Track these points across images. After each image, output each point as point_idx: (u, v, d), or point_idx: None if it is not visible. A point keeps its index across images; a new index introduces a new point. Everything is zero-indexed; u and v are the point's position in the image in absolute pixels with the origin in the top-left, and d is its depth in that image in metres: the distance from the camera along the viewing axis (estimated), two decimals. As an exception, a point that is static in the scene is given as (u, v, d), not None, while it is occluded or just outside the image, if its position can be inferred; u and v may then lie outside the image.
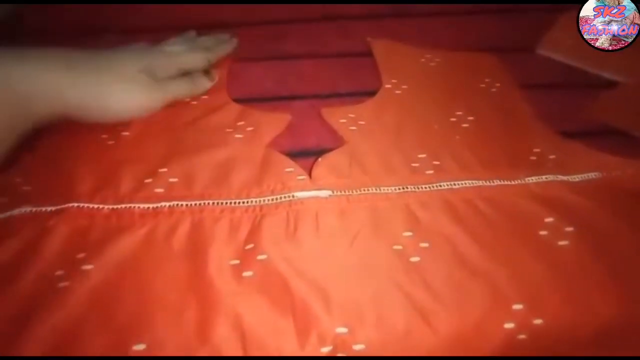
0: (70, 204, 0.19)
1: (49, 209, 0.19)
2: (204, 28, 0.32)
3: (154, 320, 0.16)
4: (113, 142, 0.23)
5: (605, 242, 0.19)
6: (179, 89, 0.25)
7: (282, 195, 0.20)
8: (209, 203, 0.20)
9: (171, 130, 0.24)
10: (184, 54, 0.26)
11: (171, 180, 0.21)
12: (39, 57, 0.20)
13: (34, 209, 0.19)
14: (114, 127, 0.24)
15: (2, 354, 0.15)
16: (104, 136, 0.24)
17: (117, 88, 0.22)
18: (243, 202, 0.20)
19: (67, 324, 0.15)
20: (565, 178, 0.22)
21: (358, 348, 0.16)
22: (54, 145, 0.23)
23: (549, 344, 0.16)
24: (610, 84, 0.30)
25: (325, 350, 0.16)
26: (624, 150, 0.24)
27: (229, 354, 0.15)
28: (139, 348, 0.15)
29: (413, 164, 0.23)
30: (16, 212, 0.19)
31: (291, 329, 0.16)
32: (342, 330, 0.16)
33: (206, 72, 0.27)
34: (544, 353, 0.16)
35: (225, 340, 0.15)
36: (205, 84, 0.27)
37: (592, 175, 0.22)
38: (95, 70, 0.21)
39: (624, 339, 0.17)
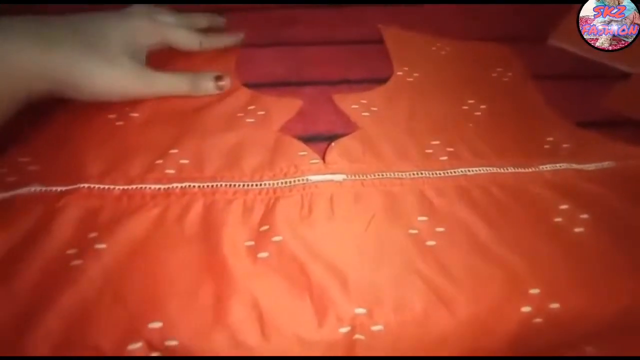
0: (81, 185, 0.19)
1: (58, 188, 0.19)
2: (213, 12, 0.31)
3: (168, 299, 0.16)
4: (122, 123, 0.23)
5: (621, 229, 0.19)
6: (175, 86, 0.24)
7: (296, 179, 0.20)
8: (221, 185, 0.20)
9: (181, 114, 0.24)
10: (173, 28, 0.25)
11: (182, 161, 0.21)
12: (19, 31, 0.19)
13: (43, 189, 0.19)
14: (122, 108, 0.23)
15: (17, 333, 0.14)
16: (112, 116, 0.23)
17: (102, 71, 0.21)
18: (256, 185, 0.20)
19: (82, 301, 0.15)
20: (579, 167, 0.22)
21: (376, 329, 0.15)
22: (61, 124, 0.23)
23: (565, 328, 0.16)
24: (624, 75, 0.30)
25: (343, 331, 0.15)
26: (637, 141, 0.24)
27: (246, 335, 0.15)
28: (154, 326, 0.15)
29: (427, 150, 0.23)
30: (25, 190, 0.19)
31: (309, 309, 0.16)
32: (360, 311, 0.16)
33: (218, 77, 0.25)
34: (559, 337, 0.16)
35: (241, 321, 0.15)
36: (209, 88, 0.25)
37: (606, 164, 0.22)
38: (79, 48, 0.20)
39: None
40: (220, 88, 0.25)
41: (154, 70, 0.23)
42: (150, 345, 0.15)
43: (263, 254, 0.17)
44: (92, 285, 0.16)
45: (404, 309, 0.16)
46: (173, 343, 0.15)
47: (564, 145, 0.24)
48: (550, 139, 0.24)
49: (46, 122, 0.22)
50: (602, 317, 0.17)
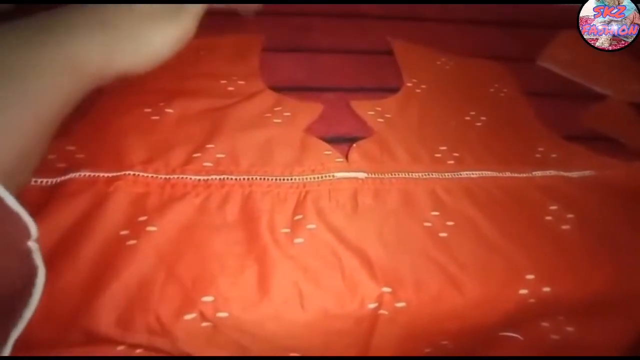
0: (126, 172, 0.21)
1: (106, 174, 0.20)
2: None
3: (217, 277, 0.18)
4: (157, 117, 0.25)
5: (600, 227, 0.22)
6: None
7: (323, 175, 0.22)
8: (256, 178, 0.22)
9: (212, 111, 0.26)
10: None
11: (218, 155, 0.23)
12: (80, 20, 0.19)
13: (92, 174, 0.20)
14: (157, 103, 0.25)
15: (85, 302, 0.16)
16: (148, 110, 0.25)
17: (151, 29, 0.20)
18: (287, 179, 0.22)
19: (140, 276, 0.17)
20: (565, 174, 0.26)
21: (400, 305, 0.18)
22: (101, 117, 0.24)
23: (551, 307, 0.20)
24: (600, 97, 0.34)
25: (371, 307, 0.18)
26: (612, 153, 0.27)
27: (288, 309, 0.17)
28: (207, 299, 0.17)
29: (436, 155, 0.25)
30: (77, 175, 0.20)
31: (341, 287, 0.18)
32: (386, 289, 0.18)
33: None
34: (544, 312, 0.19)
35: (284, 296, 0.17)
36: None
37: (587, 172, 0.26)
38: (123, 21, 0.20)
39: (614, 306, 0.20)
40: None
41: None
42: (204, 316, 0.17)
43: (299, 240, 0.19)
44: (148, 263, 0.17)
45: (422, 290, 0.18)
46: (224, 315, 0.17)
47: (553, 155, 0.27)
48: (541, 149, 0.27)
49: (86, 114, 0.24)
50: (582, 298, 0.20)
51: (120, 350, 0.18)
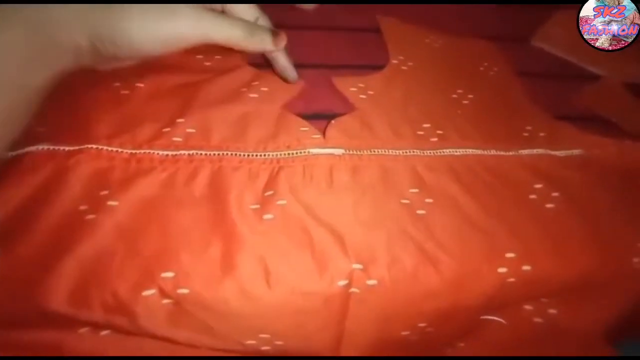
0: (89, 145, 0.20)
1: (66, 148, 0.20)
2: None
3: (179, 253, 0.17)
4: (127, 92, 0.23)
5: (586, 206, 0.21)
6: (231, 31, 0.20)
7: (298, 151, 0.21)
8: (227, 154, 0.21)
9: (185, 85, 0.25)
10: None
11: (189, 130, 0.22)
12: None
13: (51, 147, 0.19)
14: (127, 77, 0.24)
15: (37, 278, 0.15)
16: (117, 84, 0.24)
17: (156, 17, 0.19)
18: (260, 155, 0.21)
19: (97, 252, 0.16)
20: (553, 153, 0.25)
21: (371, 283, 0.17)
22: (66, 89, 0.23)
23: (532, 287, 0.19)
24: (594, 77, 0.33)
25: (341, 284, 0.17)
26: (604, 133, 0.26)
27: (253, 285, 0.16)
28: (167, 275, 0.16)
29: (418, 132, 0.24)
30: (33, 148, 0.19)
31: (310, 264, 0.17)
32: (357, 266, 0.17)
33: (275, 32, 0.22)
34: (526, 294, 0.19)
35: (249, 273, 0.17)
36: (266, 41, 0.21)
37: (576, 151, 0.25)
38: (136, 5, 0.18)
39: (599, 287, 0.19)
40: (277, 44, 0.22)
41: (210, 12, 0.20)
42: (163, 293, 0.16)
43: (268, 216, 0.18)
44: (106, 238, 0.17)
45: (396, 267, 0.18)
46: (184, 291, 0.16)
47: (541, 134, 0.26)
48: (529, 127, 0.26)
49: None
50: (564, 279, 0.19)
51: (83, 332, 0.18)
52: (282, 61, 0.25)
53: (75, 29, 0.18)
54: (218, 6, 0.22)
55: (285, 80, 0.26)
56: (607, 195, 0.22)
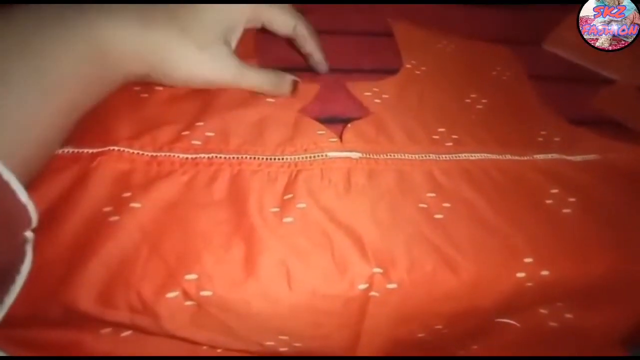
0: (111, 147, 0.20)
1: (90, 150, 0.20)
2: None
3: (201, 255, 0.17)
4: (147, 95, 0.24)
5: (603, 211, 0.21)
6: (260, 83, 0.23)
7: (316, 154, 0.22)
8: (246, 157, 0.21)
9: (203, 90, 0.25)
10: (269, 7, 0.24)
11: (207, 134, 0.22)
12: (122, 14, 0.18)
13: (76, 150, 0.20)
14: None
15: (63, 279, 0.15)
16: (137, 88, 0.24)
17: (196, 58, 0.21)
18: (279, 159, 0.21)
19: (121, 253, 0.16)
20: (568, 158, 0.25)
21: (391, 287, 0.17)
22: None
23: (548, 291, 0.19)
24: (609, 81, 0.33)
25: (361, 288, 0.17)
26: (619, 137, 0.26)
27: (275, 288, 0.17)
28: (190, 277, 0.16)
29: (434, 136, 0.25)
30: (60, 151, 0.19)
31: (331, 267, 0.17)
32: (377, 270, 0.17)
33: (295, 83, 0.25)
34: (541, 297, 0.19)
35: (271, 275, 0.17)
36: (286, 91, 0.24)
37: (591, 156, 0.25)
38: (176, 32, 0.20)
39: (615, 292, 0.19)
40: (293, 94, 0.24)
41: (241, 63, 0.23)
42: (187, 295, 0.16)
43: (288, 219, 0.19)
44: (130, 239, 0.17)
45: (416, 270, 0.18)
46: (207, 294, 0.16)
47: (555, 139, 0.26)
48: (544, 132, 0.26)
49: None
50: (582, 283, 0.19)
51: (105, 332, 0.18)
52: (317, 57, 0.27)
53: (135, 61, 0.19)
54: (259, 21, 0.24)
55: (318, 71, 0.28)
56: (623, 199, 0.22)
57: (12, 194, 0.13)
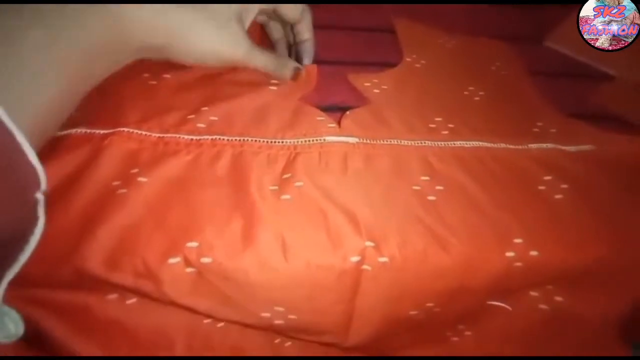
0: (121, 129, 0.21)
1: (101, 131, 0.21)
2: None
3: (203, 226, 0.18)
4: (155, 82, 0.25)
5: (596, 198, 0.22)
6: (265, 63, 0.25)
7: (315, 138, 0.23)
8: (248, 140, 0.22)
9: (210, 77, 0.26)
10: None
11: (212, 118, 0.23)
12: None
13: (88, 131, 0.21)
14: (155, 69, 0.26)
15: (74, 245, 0.16)
16: (146, 75, 0.25)
17: (211, 33, 0.21)
18: (279, 142, 0.22)
19: (128, 223, 0.17)
20: (563, 147, 0.25)
21: (382, 260, 0.18)
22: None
23: (538, 272, 0.19)
24: (609, 77, 0.33)
25: (354, 260, 0.18)
26: (617, 130, 0.27)
27: (271, 258, 0.17)
28: (192, 245, 0.17)
29: (430, 125, 0.25)
30: (74, 131, 0.21)
31: (325, 240, 0.18)
32: (369, 244, 0.18)
33: (298, 69, 0.26)
34: (531, 279, 0.19)
35: (267, 246, 0.18)
36: (287, 75, 0.25)
37: (587, 147, 0.25)
38: (192, 9, 0.20)
39: (606, 277, 0.20)
40: (294, 79, 0.25)
41: (252, 43, 0.24)
42: (188, 261, 0.17)
43: (286, 196, 0.20)
44: (136, 210, 0.18)
45: (407, 246, 0.18)
46: (207, 260, 0.17)
47: (552, 130, 0.26)
48: (540, 123, 0.27)
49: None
50: (571, 266, 0.19)
51: (112, 298, 0.19)
52: (309, 45, 0.28)
53: (151, 32, 0.20)
54: (270, 6, 0.25)
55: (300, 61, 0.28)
56: (618, 187, 0.23)
57: (23, 155, 0.14)
